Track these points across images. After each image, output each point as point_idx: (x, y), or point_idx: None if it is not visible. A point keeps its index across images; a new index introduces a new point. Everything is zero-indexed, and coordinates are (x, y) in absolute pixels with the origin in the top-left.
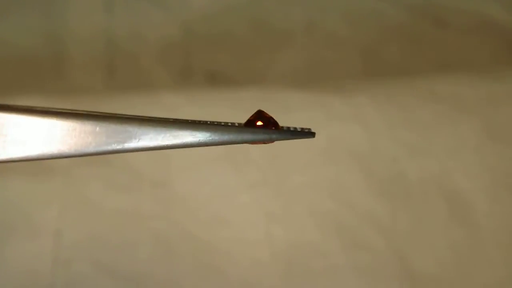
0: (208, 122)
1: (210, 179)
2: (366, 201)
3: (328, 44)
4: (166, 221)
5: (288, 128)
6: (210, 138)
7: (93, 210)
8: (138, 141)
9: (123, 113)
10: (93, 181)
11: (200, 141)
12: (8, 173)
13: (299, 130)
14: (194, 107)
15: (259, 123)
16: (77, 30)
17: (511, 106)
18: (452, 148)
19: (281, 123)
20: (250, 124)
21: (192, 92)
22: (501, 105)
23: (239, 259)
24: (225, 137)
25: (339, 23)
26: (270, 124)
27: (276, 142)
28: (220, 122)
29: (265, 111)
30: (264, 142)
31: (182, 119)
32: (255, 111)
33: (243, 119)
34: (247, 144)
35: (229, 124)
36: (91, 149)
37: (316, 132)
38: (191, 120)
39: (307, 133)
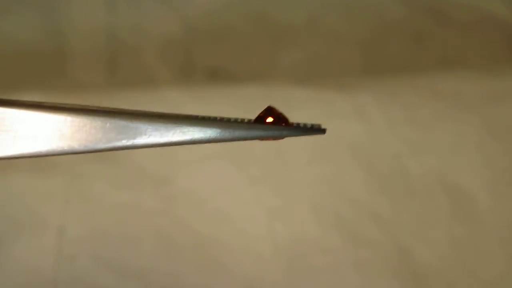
0: (218, 118)
1: (213, 175)
2: (368, 197)
3: (330, 40)
4: (169, 217)
5: (299, 124)
6: (220, 135)
7: (96, 206)
8: (148, 137)
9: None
10: (96, 177)
11: (210, 137)
12: (11, 169)
13: (309, 126)
14: (195, 103)
15: (269, 119)
16: (79, 26)
17: None
18: (453, 145)
19: None
20: (260, 120)
21: (194, 88)
22: (502, 102)
23: (241, 254)
24: (236, 133)
25: (341, 20)
26: (280, 121)
27: None
28: (230, 118)
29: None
30: (274, 138)
31: (192, 115)
32: (256, 107)
33: (243, 115)
34: (250, 140)
35: (239, 120)
36: (101, 145)
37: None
38: (201, 116)
39: (318, 130)
